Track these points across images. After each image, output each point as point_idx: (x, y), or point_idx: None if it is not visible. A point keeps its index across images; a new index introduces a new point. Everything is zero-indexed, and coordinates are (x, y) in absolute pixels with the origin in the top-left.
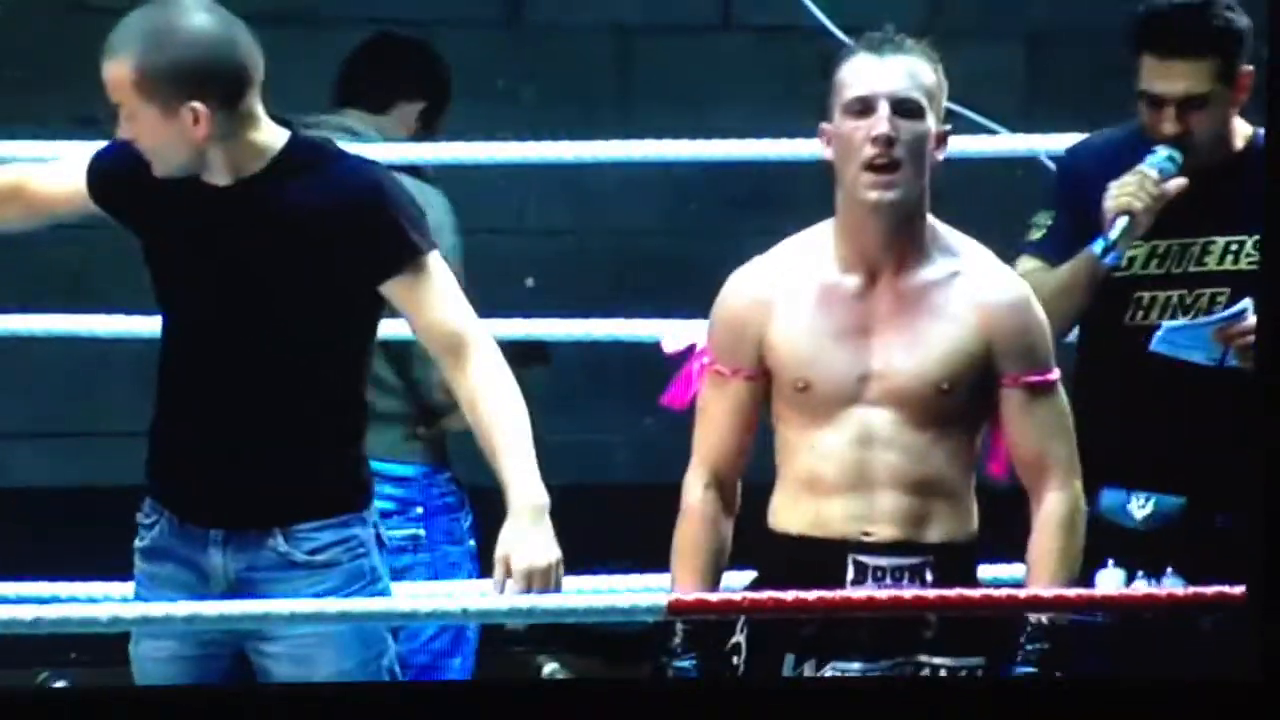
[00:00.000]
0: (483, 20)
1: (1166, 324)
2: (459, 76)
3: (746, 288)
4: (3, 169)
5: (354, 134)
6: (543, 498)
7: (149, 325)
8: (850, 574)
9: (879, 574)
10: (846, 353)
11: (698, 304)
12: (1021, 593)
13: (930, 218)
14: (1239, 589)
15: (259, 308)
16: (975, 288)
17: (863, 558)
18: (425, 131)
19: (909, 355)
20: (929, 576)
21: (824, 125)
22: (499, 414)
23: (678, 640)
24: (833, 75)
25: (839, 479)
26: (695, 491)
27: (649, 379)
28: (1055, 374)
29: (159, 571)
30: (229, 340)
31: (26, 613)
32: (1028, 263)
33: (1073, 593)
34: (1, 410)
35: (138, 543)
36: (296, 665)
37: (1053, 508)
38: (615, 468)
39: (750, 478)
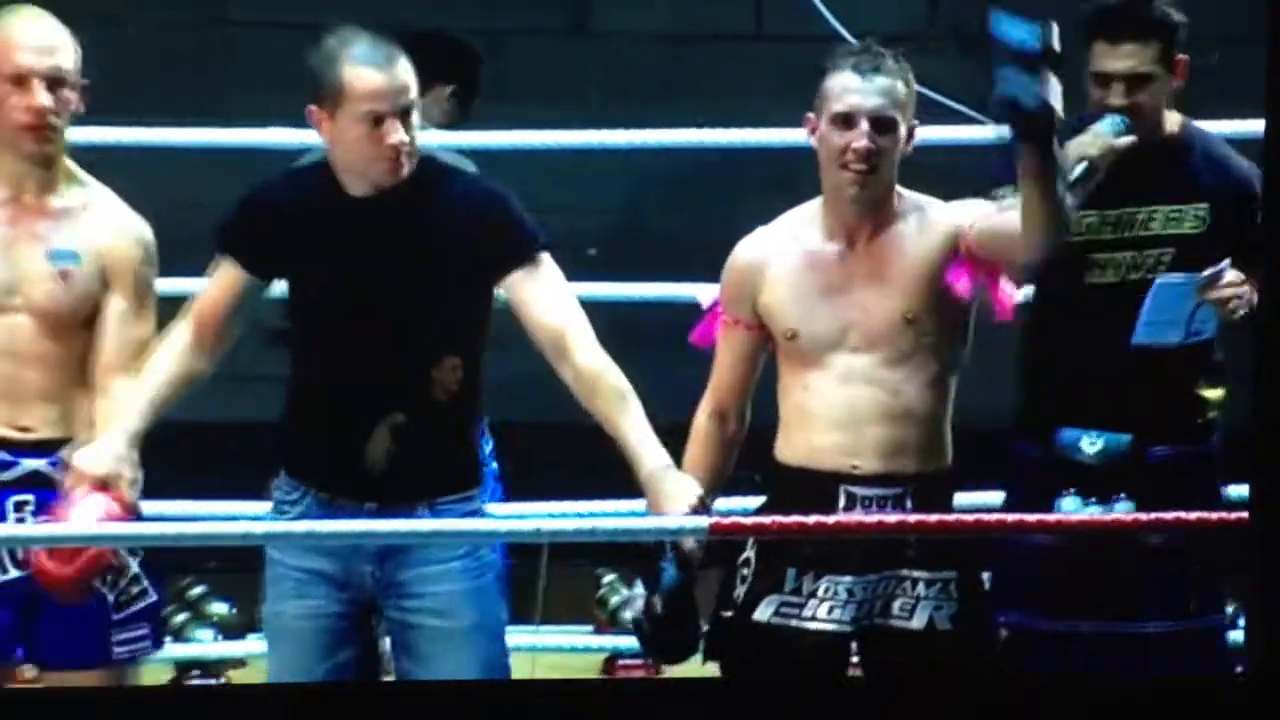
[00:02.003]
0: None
1: (1160, 279)
2: (532, 81)
3: (747, 252)
4: (182, 320)
5: None
6: (668, 457)
7: None
8: (842, 502)
9: (866, 502)
10: (829, 306)
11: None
12: (991, 517)
13: (897, 187)
14: (1242, 514)
15: (401, 304)
16: (931, 231)
17: (852, 488)
18: (460, 112)
19: (880, 299)
20: (908, 504)
21: (810, 116)
22: (616, 397)
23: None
24: (821, 79)
25: (828, 414)
26: (700, 418)
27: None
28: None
29: (304, 544)
30: (372, 335)
31: (173, 529)
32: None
33: (1054, 518)
34: None
35: (279, 515)
36: (437, 617)
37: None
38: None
39: (763, 419)
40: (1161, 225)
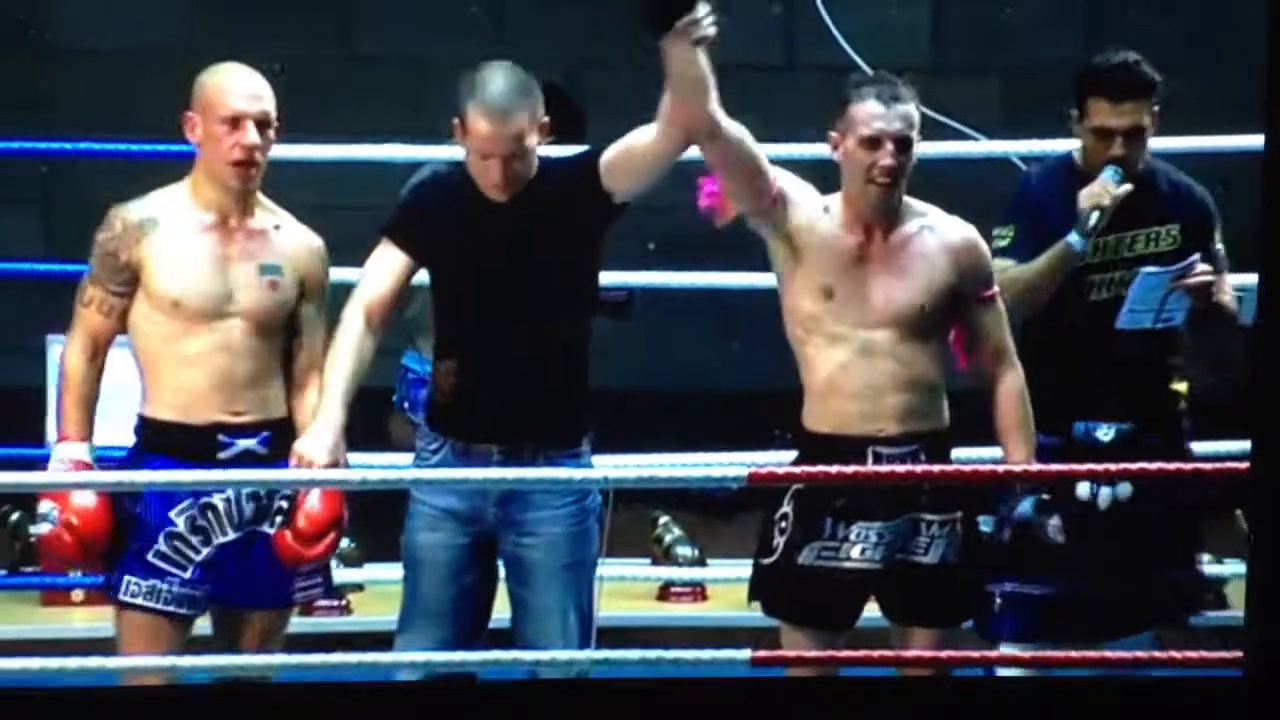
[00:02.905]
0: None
1: (1143, 271)
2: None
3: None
4: (355, 307)
5: None
6: None
7: None
8: (871, 461)
9: (891, 460)
10: (850, 288)
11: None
12: (1001, 467)
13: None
14: (1243, 464)
15: (534, 281)
16: (941, 235)
17: (879, 449)
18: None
19: (900, 287)
20: (921, 458)
21: (834, 134)
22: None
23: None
24: (847, 104)
25: (854, 384)
26: None
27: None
28: (997, 288)
29: (441, 485)
30: (508, 310)
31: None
32: (1002, 262)
33: (1055, 468)
34: None
35: (420, 462)
36: (545, 553)
37: (1011, 382)
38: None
39: (788, 387)
40: (1144, 246)
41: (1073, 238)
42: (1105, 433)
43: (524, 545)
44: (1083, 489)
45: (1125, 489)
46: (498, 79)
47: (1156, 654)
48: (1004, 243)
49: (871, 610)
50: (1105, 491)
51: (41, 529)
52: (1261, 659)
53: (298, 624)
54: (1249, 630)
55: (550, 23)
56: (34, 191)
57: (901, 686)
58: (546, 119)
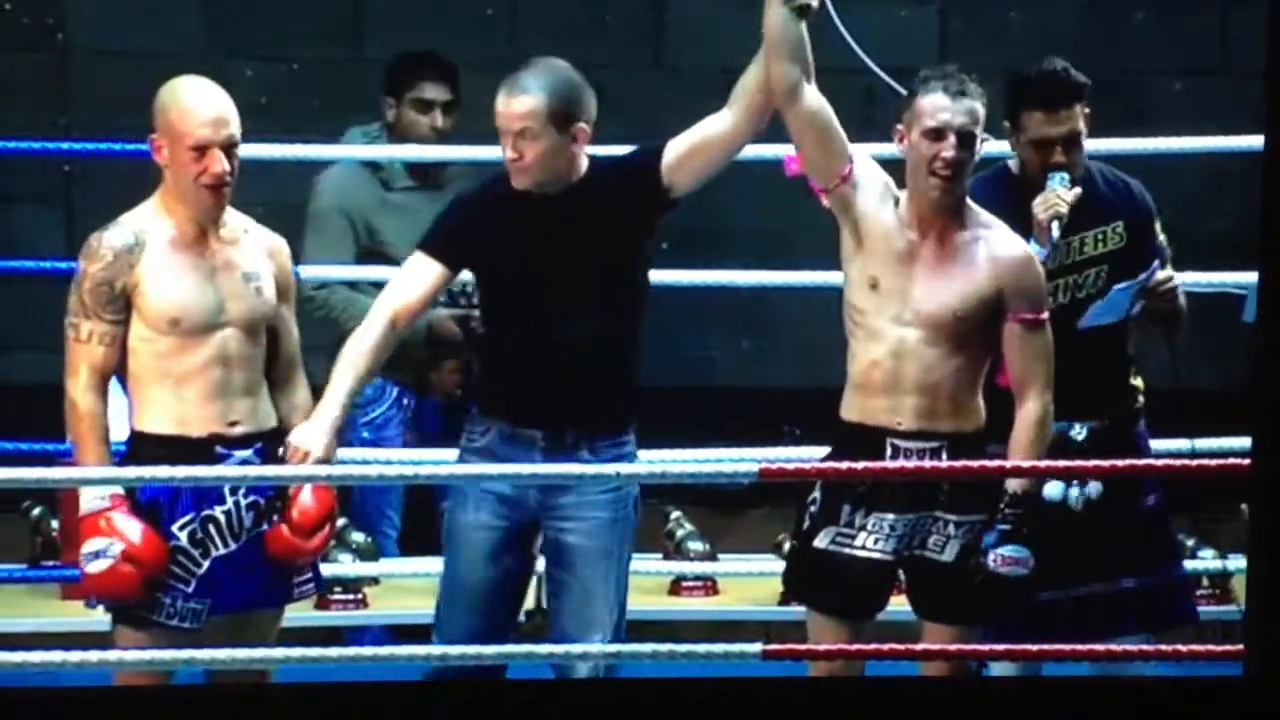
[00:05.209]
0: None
1: (1115, 289)
2: (615, 111)
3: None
4: (382, 309)
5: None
6: None
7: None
8: (889, 452)
9: (907, 454)
10: (893, 283)
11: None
12: (1007, 463)
13: (968, 200)
14: (1245, 460)
15: (581, 276)
16: (993, 247)
17: (896, 441)
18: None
19: (938, 291)
20: (943, 457)
21: (899, 129)
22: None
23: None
24: (914, 97)
25: (881, 381)
26: None
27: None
28: (1045, 315)
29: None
30: (555, 305)
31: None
32: None
33: (1044, 464)
34: None
35: (468, 443)
36: (584, 538)
37: (1031, 411)
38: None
39: (830, 381)
40: (1093, 247)
41: (1033, 247)
42: (1079, 431)
43: (565, 530)
44: (1053, 491)
45: (1095, 487)
46: (531, 66)
47: (1162, 647)
48: None
49: (898, 604)
50: (1075, 493)
51: (98, 566)
52: (1262, 658)
53: (312, 618)
54: (1249, 628)
55: (561, 23)
56: (56, 191)
57: (907, 686)
58: (585, 124)
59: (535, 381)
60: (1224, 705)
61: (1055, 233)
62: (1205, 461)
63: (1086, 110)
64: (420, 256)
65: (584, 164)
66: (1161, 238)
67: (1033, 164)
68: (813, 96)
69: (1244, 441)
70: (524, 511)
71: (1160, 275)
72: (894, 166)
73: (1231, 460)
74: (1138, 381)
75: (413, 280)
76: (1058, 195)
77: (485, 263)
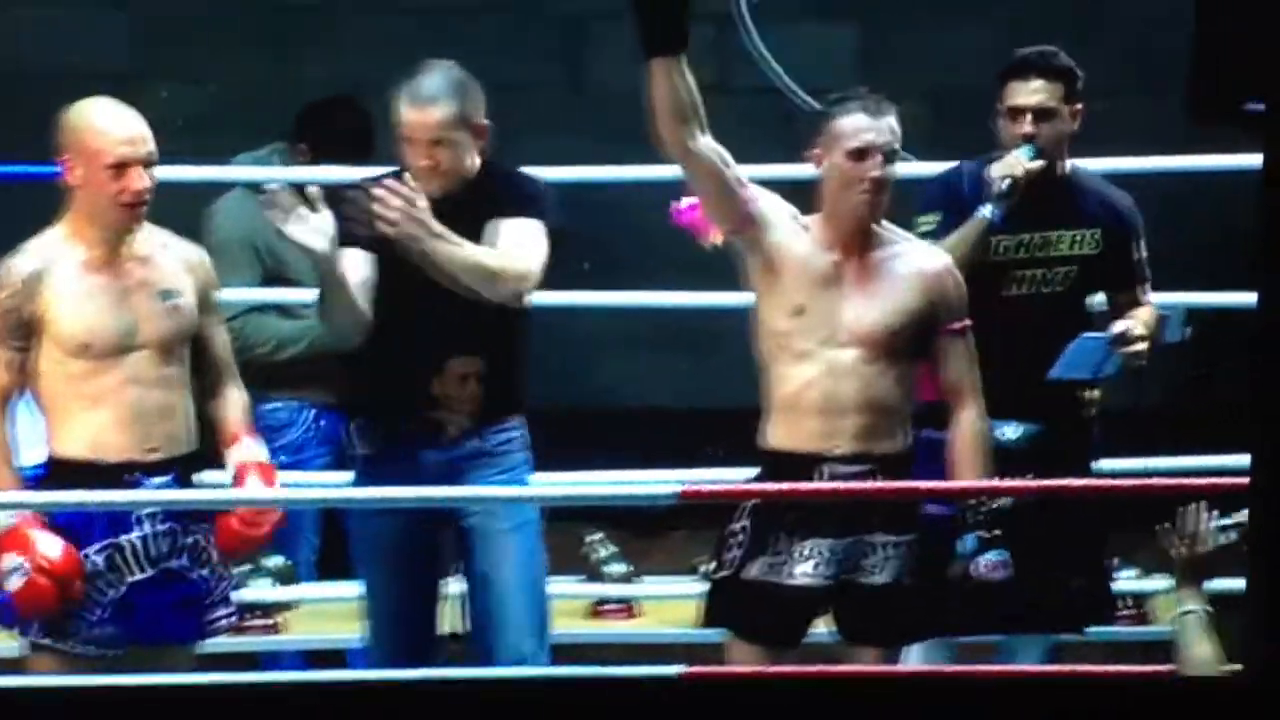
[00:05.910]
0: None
1: (1083, 336)
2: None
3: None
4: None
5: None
6: None
7: None
8: (826, 478)
9: (844, 479)
10: (821, 307)
11: None
12: (955, 485)
13: None
14: (1240, 480)
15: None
16: (916, 261)
17: (830, 466)
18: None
19: (869, 308)
20: (877, 478)
21: (816, 151)
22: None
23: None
24: (831, 120)
25: (814, 403)
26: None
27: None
28: (968, 322)
29: (381, 471)
30: (433, 299)
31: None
32: None
33: (1007, 484)
34: None
35: (351, 450)
36: (486, 519)
37: (965, 420)
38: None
39: (746, 403)
40: (1068, 247)
41: (984, 209)
42: (1011, 431)
43: (464, 517)
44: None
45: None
46: (428, 72)
47: (1078, 668)
48: (928, 228)
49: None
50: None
51: (15, 583)
52: (1261, 670)
53: (226, 644)
54: (1246, 640)
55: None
56: None
57: (903, 684)
58: (485, 121)
59: (421, 375)
60: (1224, 705)
61: (1004, 188)
62: (1199, 481)
63: (1078, 107)
64: (348, 252)
65: (477, 161)
66: (1142, 256)
67: (1006, 135)
68: (707, 149)
69: (1175, 461)
70: (437, 512)
71: (1134, 334)
72: (787, 188)
73: (1227, 479)
74: (1093, 393)
75: (352, 269)
76: (1016, 158)
77: (372, 249)
